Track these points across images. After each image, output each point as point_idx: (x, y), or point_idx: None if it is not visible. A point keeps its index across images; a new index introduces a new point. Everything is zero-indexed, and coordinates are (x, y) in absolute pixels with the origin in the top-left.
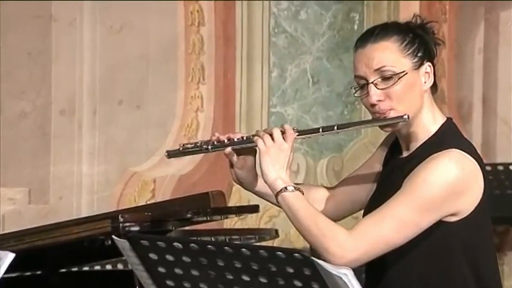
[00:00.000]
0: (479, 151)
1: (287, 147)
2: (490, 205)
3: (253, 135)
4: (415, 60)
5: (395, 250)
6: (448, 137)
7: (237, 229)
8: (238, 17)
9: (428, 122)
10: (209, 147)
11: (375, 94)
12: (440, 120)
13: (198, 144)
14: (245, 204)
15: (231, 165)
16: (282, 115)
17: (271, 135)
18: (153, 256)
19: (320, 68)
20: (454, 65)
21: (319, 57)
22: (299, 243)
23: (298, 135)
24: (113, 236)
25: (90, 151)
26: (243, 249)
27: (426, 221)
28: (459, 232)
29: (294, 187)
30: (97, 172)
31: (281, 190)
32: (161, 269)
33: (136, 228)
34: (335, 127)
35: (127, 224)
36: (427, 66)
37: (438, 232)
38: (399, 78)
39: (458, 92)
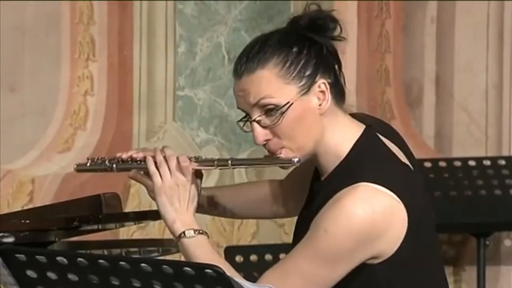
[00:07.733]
0: (431, 144)
1: (185, 181)
2: (432, 221)
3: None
4: (303, 82)
5: None
6: (360, 162)
7: (136, 240)
8: None
9: (336, 145)
10: (114, 166)
11: (260, 133)
12: (353, 136)
13: (105, 160)
14: (146, 209)
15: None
16: (191, 99)
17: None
18: (31, 273)
19: (237, 42)
20: (401, 39)
21: (236, 29)
22: None
23: (197, 166)
24: None
25: None
26: (143, 265)
27: (337, 273)
28: (386, 275)
29: (194, 231)
30: None
31: (179, 235)
32: None
33: (10, 240)
34: (229, 162)
35: None
36: (320, 84)
37: (362, 276)
38: (282, 113)
39: (406, 72)
